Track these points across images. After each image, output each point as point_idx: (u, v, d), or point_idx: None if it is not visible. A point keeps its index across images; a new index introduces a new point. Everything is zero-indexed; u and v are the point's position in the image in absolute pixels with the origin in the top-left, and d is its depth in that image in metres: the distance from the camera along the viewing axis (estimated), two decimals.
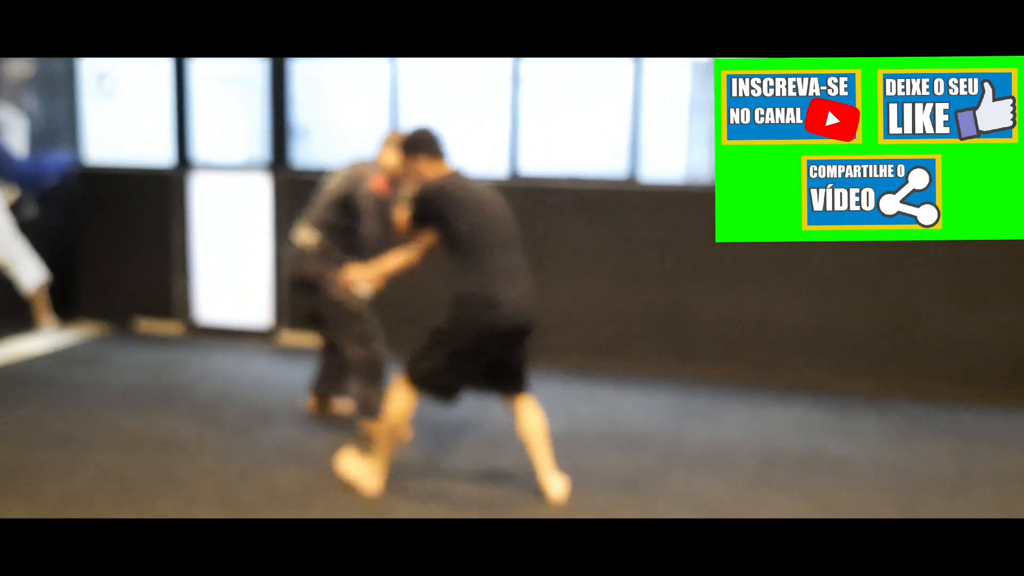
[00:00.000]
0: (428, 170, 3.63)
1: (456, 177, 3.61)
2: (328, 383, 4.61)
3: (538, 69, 5.80)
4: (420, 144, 3.65)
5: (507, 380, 3.71)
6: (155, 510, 3.55)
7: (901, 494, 3.82)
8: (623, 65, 5.56)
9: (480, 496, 3.75)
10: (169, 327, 6.51)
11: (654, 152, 5.88)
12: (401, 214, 3.71)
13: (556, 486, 3.70)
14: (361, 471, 3.74)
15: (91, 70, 6.47)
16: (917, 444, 4.43)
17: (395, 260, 3.82)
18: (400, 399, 3.61)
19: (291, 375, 5.47)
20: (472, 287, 3.49)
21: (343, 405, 4.64)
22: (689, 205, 5.53)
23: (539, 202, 5.72)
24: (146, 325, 6.54)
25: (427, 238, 3.69)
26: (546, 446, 3.72)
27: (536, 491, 3.73)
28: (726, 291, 5.52)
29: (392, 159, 4.16)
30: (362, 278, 3.91)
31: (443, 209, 3.51)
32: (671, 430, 4.59)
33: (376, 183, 4.15)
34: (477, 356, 3.56)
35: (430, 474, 3.97)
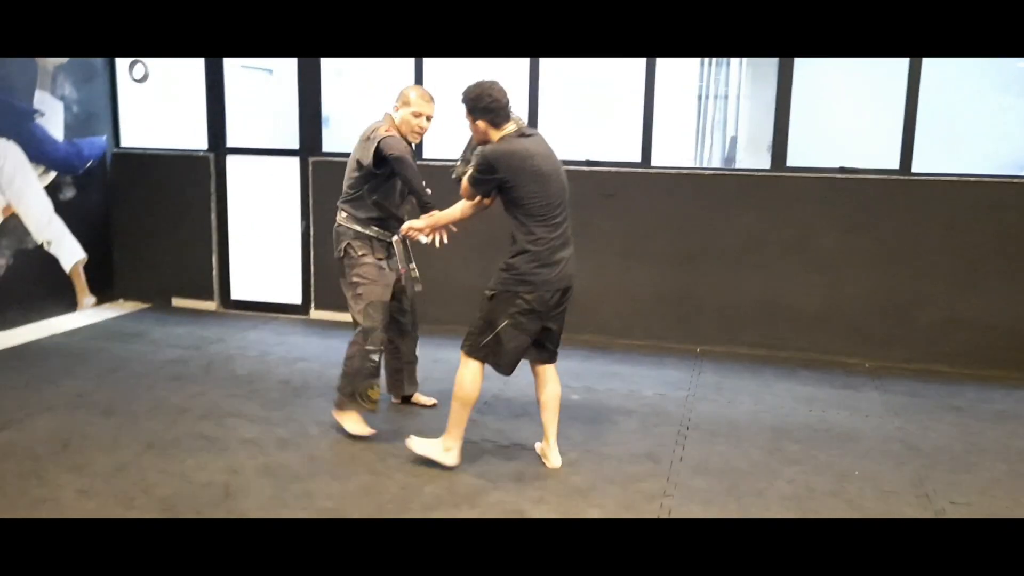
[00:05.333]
0: (491, 134, 3.29)
1: (518, 141, 3.25)
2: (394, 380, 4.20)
3: (559, 65, 5.52)
4: (483, 109, 3.25)
5: (548, 346, 3.47)
6: (202, 479, 3.30)
7: (912, 466, 3.60)
8: (637, 60, 5.28)
9: (507, 462, 3.52)
10: (204, 304, 6.22)
11: (666, 139, 5.62)
12: (464, 178, 3.37)
13: (555, 457, 3.55)
14: (434, 447, 3.47)
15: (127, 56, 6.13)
16: (922, 418, 4.21)
17: (449, 214, 3.50)
18: (467, 373, 3.36)
19: (322, 349, 5.20)
20: (528, 250, 3.22)
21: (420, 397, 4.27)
22: (699, 189, 5.27)
23: None
24: (181, 302, 6.25)
25: (484, 199, 3.38)
26: (557, 415, 3.54)
27: (566, 463, 3.52)
28: (735, 272, 5.27)
29: (404, 113, 3.71)
30: (418, 229, 3.57)
31: (504, 178, 3.21)
32: (685, 404, 4.35)
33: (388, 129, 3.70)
34: (532, 321, 3.29)
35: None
